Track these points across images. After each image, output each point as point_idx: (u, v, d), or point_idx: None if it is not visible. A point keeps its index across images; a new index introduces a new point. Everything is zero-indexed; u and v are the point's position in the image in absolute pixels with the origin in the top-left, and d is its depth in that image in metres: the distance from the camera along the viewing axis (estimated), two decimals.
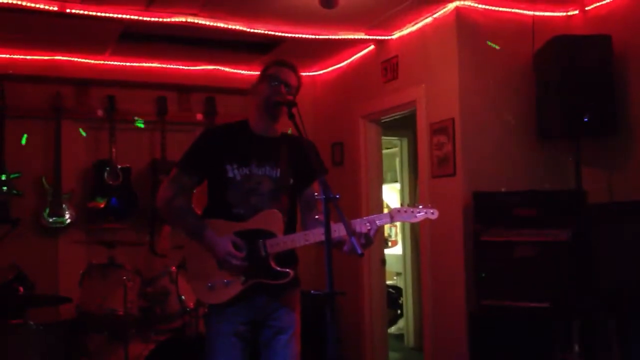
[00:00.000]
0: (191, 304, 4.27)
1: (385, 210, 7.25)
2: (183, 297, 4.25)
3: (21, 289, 4.27)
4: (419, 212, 2.60)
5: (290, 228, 2.79)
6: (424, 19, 4.86)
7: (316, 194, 2.41)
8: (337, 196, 2.25)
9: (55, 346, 3.90)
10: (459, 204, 4.50)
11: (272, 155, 2.79)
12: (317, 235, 2.60)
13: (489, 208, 4.21)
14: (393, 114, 5.58)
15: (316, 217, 2.84)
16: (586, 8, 4.58)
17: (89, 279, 4.29)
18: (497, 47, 4.50)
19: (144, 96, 5.81)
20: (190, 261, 2.79)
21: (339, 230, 2.43)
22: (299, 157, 2.80)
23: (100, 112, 5.62)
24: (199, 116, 5.97)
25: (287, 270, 2.69)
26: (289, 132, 2.80)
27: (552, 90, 4.28)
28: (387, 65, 5.38)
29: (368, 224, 2.55)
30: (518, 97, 4.65)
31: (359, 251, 2.16)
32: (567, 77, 4.17)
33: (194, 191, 2.91)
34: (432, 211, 2.61)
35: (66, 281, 5.25)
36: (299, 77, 2.87)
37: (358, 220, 2.59)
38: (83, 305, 4.20)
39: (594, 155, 4.43)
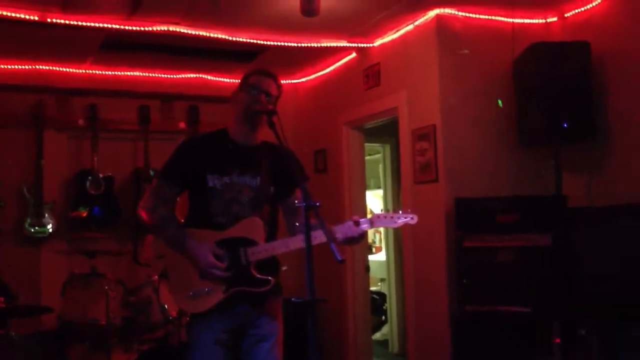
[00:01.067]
0: (174, 313, 4.25)
1: (369, 217, 7.28)
2: (166, 306, 4.24)
3: (2, 299, 4.23)
4: (399, 218, 2.65)
5: (271, 236, 2.80)
6: (405, 27, 4.89)
7: (297, 201, 2.42)
8: (317, 204, 2.26)
9: (37, 356, 3.88)
10: (441, 210, 4.52)
11: (252, 164, 2.80)
12: (297, 242, 2.62)
13: (471, 214, 4.24)
14: (375, 121, 5.60)
15: (297, 223, 2.86)
16: (565, 15, 4.64)
17: (71, 289, 4.27)
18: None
19: (127, 105, 5.80)
20: (172, 270, 2.79)
21: (319, 237, 2.44)
22: (279, 165, 2.81)
23: (81, 121, 5.60)
24: (182, 125, 5.96)
25: (269, 277, 2.69)
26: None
27: (531, 96, 4.32)
28: (369, 72, 5.41)
29: (347, 228, 2.58)
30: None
31: (339, 258, 2.17)
32: (545, 84, 4.21)
33: (176, 200, 2.91)
34: (411, 216, 2.66)
35: (48, 291, 5.21)
36: (279, 86, 2.87)
37: (339, 226, 2.61)
38: (65, 315, 4.18)
39: (574, 161, 4.48)
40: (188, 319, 2.86)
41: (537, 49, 4.29)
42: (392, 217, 2.65)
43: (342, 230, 2.61)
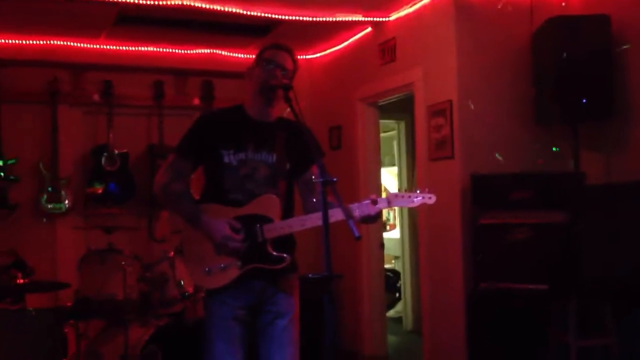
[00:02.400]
0: (190, 288, 4.27)
1: (383, 194, 7.26)
2: (182, 281, 4.26)
3: (19, 274, 4.26)
4: (417, 197, 2.60)
5: (287, 213, 2.79)
6: (422, 1, 4.82)
7: (314, 177, 2.39)
8: (335, 179, 2.25)
9: (54, 331, 3.91)
10: (457, 187, 4.49)
11: (268, 141, 2.78)
12: (313, 220, 2.60)
13: (487, 191, 4.21)
14: (391, 97, 5.56)
15: (314, 200, 2.84)
16: None
17: (88, 265, 4.30)
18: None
19: (141, 80, 5.79)
20: (187, 246, 2.79)
21: (335, 215, 2.42)
22: (295, 141, 2.79)
23: (96, 97, 5.59)
24: (196, 100, 5.94)
25: (284, 255, 2.69)
26: (285, 113, 2.77)
27: (549, 72, 4.26)
28: (385, 47, 5.35)
29: (365, 207, 2.55)
30: (516, 80, 4.63)
31: (356, 234, 2.15)
32: (564, 59, 4.14)
33: (191, 177, 2.90)
34: (429, 196, 2.61)
35: (64, 267, 5.27)
36: (295, 61, 2.84)
37: (356, 204, 2.58)
38: (82, 290, 4.21)
39: (592, 138, 4.42)
40: (203, 294, 2.86)
41: (555, 23, 4.21)
42: (409, 197, 2.61)
43: (359, 209, 2.58)
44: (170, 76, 5.92)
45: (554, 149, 4.51)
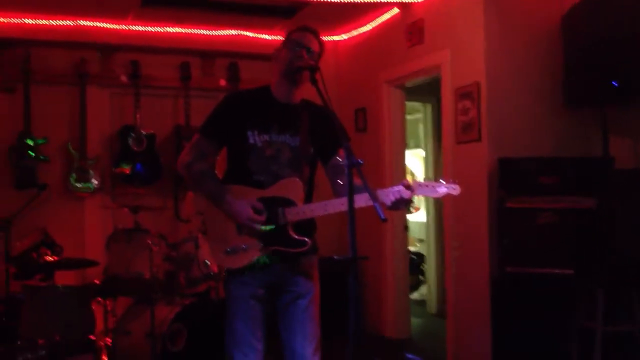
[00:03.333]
0: (215, 268, 4.31)
1: (408, 177, 7.24)
2: (207, 261, 4.30)
3: (48, 252, 4.34)
4: (440, 187, 2.54)
5: (309, 198, 2.79)
6: None
7: (339, 159, 2.38)
8: (361, 161, 2.24)
9: (82, 308, 3.97)
10: (484, 170, 4.46)
11: (292, 123, 2.77)
12: (336, 205, 2.59)
13: (514, 174, 4.18)
14: (417, 79, 5.52)
15: (341, 182, 2.83)
16: None
17: (115, 243, 4.35)
18: None
19: (168, 62, 5.82)
20: (210, 226, 2.80)
21: (359, 201, 2.39)
22: (319, 125, 2.78)
23: (124, 78, 5.63)
24: (223, 82, 5.97)
25: (305, 239, 2.69)
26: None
27: (580, 54, 4.19)
28: (412, 29, 5.30)
29: (392, 196, 2.52)
30: (546, 62, 4.57)
31: (382, 216, 2.15)
32: (595, 40, 4.07)
33: (217, 157, 2.90)
34: (454, 187, 2.55)
35: (92, 245, 5.35)
36: (321, 43, 2.83)
37: (379, 191, 2.56)
38: (110, 268, 4.26)
39: (622, 122, 4.35)
40: (224, 274, 2.87)
41: (587, 4, 4.14)
42: (433, 187, 2.55)
43: (392, 193, 2.54)
44: (197, 58, 5.94)
45: (585, 133, 4.43)
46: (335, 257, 4.70)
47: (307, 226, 2.76)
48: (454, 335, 4.90)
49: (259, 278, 2.72)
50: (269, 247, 2.68)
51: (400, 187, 2.54)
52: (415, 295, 7.34)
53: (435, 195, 2.60)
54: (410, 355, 4.94)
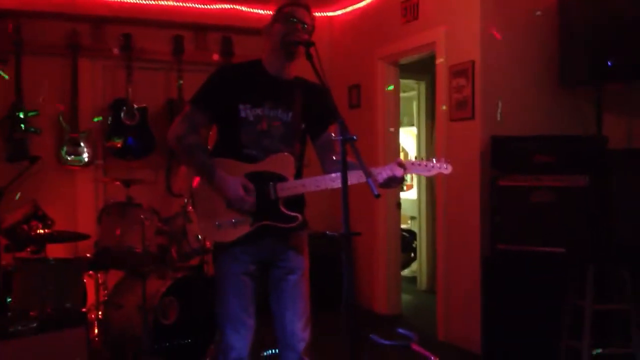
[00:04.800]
0: (208, 243, 4.32)
1: (401, 155, 7.23)
2: (199, 236, 4.30)
3: (40, 224, 4.33)
4: (433, 167, 2.58)
5: (299, 173, 2.78)
6: None
7: (333, 134, 2.37)
8: (355, 137, 2.23)
9: (74, 281, 3.98)
10: (476, 148, 4.47)
11: (284, 98, 2.75)
12: (327, 182, 2.59)
13: (507, 153, 4.18)
14: (412, 56, 5.50)
15: (334, 158, 2.83)
16: None
17: (108, 217, 4.33)
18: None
19: (161, 35, 5.77)
20: (199, 199, 2.77)
21: (352, 178, 2.39)
22: (312, 101, 2.76)
23: (116, 51, 5.58)
24: (216, 56, 5.92)
25: (296, 214, 2.69)
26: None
27: (576, 33, 4.18)
28: (407, 5, 5.27)
29: (386, 171, 2.53)
30: (541, 41, 4.56)
31: (375, 192, 2.14)
32: (591, 19, 4.07)
33: (209, 131, 2.88)
34: (446, 166, 2.59)
35: (84, 218, 5.35)
36: (313, 18, 2.80)
37: (372, 169, 2.56)
38: (102, 242, 4.26)
39: (616, 102, 4.36)
40: (212, 248, 2.85)
41: None
42: (426, 165, 2.59)
43: (385, 171, 2.55)
44: (190, 31, 5.89)
45: (580, 112, 4.44)
46: (328, 232, 4.72)
47: (297, 202, 2.76)
48: (444, 312, 4.94)
49: (250, 254, 2.72)
50: (259, 222, 2.67)
51: (393, 165, 2.56)
52: (406, 272, 7.38)
53: (428, 174, 2.64)
54: (402, 331, 4.98)
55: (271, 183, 2.66)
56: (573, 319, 3.87)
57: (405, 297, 6.32)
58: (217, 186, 2.67)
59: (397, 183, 2.59)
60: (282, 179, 2.67)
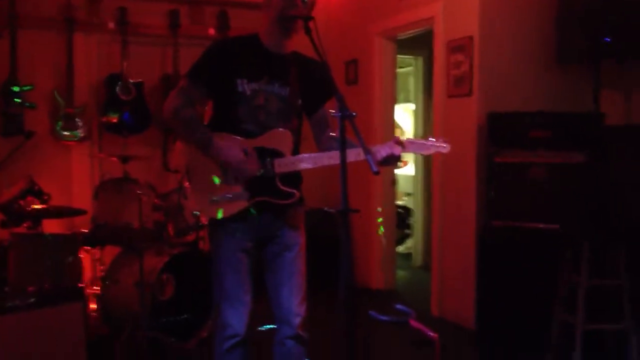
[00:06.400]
0: (204, 219, 4.31)
1: (397, 131, 7.21)
2: (196, 212, 4.29)
3: (36, 200, 4.32)
4: (431, 145, 2.58)
5: (296, 151, 2.77)
6: None
7: (332, 111, 2.35)
8: (354, 114, 2.21)
9: (70, 256, 3.98)
10: (474, 125, 4.46)
11: (282, 73, 2.72)
12: (325, 159, 2.58)
13: (504, 129, 4.18)
14: (409, 31, 5.47)
15: (331, 134, 2.82)
16: None
17: (104, 193, 4.32)
18: None
19: (156, 9, 5.70)
20: (194, 175, 2.75)
21: (350, 156, 2.37)
22: (310, 76, 2.74)
23: (111, 25, 5.52)
24: (212, 31, 5.87)
25: (293, 190, 2.68)
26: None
27: (573, 10, 4.16)
28: None
29: (383, 151, 2.53)
30: (539, 17, 4.54)
31: (374, 169, 2.13)
32: None
33: (204, 107, 2.85)
34: (444, 145, 2.58)
35: (80, 194, 5.34)
36: None
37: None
38: (98, 217, 4.25)
39: (614, 78, 4.35)
40: (207, 223, 2.83)
41: None
42: (424, 144, 2.58)
43: (383, 148, 2.55)
44: (186, 5, 5.84)
45: (578, 88, 4.43)
46: (325, 208, 4.73)
47: (294, 178, 2.75)
48: (438, 288, 4.98)
49: (247, 231, 2.71)
50: (256, 198, 2.66)
51: (392, 143, 2.55)
52: (401, 249, 7.42)
53: (426, 153, 2.63)
54: (399, 306, 5.01)
55: (268, 159, 2.65)
56: (567, 295, 3.89)
57: (400, 273, 6.36)
58: (215, 154, 2.64)
59: (394, 161, 2.59)
60: (279, 154, 2.66)
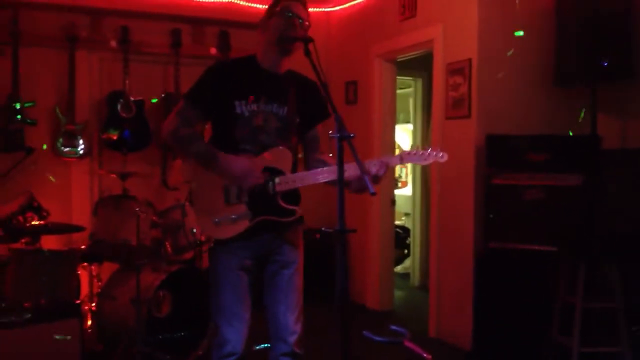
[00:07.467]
0: (202, 237, 4.33)
1: (397, 152, 7.25)
2: (194, 229, 4.31)
3: (35, 216, 4.33)
4: (429, 155, 2.59)
5: (295, 169, 2.79)
6: None
7: (330, 132, 2.38)
8: (352, 135, 2.23)
9: (68, 272, 3.98)
10: (472, 146, 4.49)
11: (279, 93, 2.75)
12: (325, 174, 2.60)
13: (502, 151, 4.21)
14: (409, 54, 5.51)
15: (317, 157, 2.84)
16: None
17: (103, 209, 4.34)
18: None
19: (158, 28, 5.75)
20: (198, 196, 2.77)
21: (349, 170, 2.41)
22: (304, 96, 2.78)
23: (113, 43, 5.57)
24: (213, 50, 5.91)
25: (294, 208, 2.70)
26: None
27: (571, 33, 4.20)
28: (405, 2, 5.28)
29: (379, 165, 2.55)
30: (538, 40, 4.58)
31: (372, 190, 2.15)
32: (586, 20, 4.09)
33: (204, 127, 2.87)
34: (441, 154, 2.59)
35: (79, 210, 5.35)
36: (308, 13, 2.80)
37: (368, 161, 2.57)
38: (97, 234, 4.26)
39: (610, 102, 4.38)
40: (211, 244, 2.86)
41: None
42: (422, 154, 2.59)
43: (370, 165, 2.57)
44: (188, 25, 5.88)
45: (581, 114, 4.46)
46: (323, 228, 4.74)
47: (293, 196, 2.77)
48: (436, 309, 4.97)
49: (247, 249, 2.72)
50: (258, 217, 2.68)
51: (387, 157, 2.59)
52: (399, 269, 7.41)
53: (423, 163, 2.61)
54: (394, 327, 5.00)
55: (269, 177, 2.67)
56: (563, 317, 3.89)
57: (398, 293, 6.35)
58: (220, 168, 2.65)
59: (381, 177, 2.58)
60: (280, 173, 2.68)
